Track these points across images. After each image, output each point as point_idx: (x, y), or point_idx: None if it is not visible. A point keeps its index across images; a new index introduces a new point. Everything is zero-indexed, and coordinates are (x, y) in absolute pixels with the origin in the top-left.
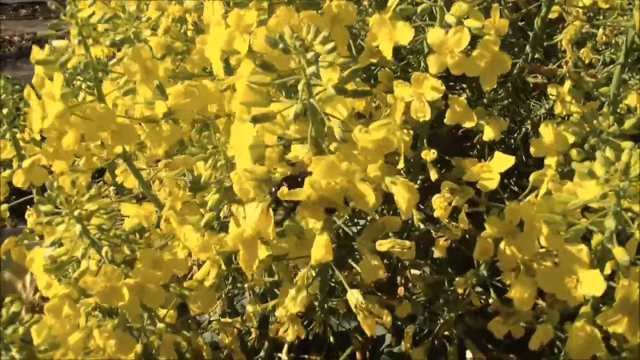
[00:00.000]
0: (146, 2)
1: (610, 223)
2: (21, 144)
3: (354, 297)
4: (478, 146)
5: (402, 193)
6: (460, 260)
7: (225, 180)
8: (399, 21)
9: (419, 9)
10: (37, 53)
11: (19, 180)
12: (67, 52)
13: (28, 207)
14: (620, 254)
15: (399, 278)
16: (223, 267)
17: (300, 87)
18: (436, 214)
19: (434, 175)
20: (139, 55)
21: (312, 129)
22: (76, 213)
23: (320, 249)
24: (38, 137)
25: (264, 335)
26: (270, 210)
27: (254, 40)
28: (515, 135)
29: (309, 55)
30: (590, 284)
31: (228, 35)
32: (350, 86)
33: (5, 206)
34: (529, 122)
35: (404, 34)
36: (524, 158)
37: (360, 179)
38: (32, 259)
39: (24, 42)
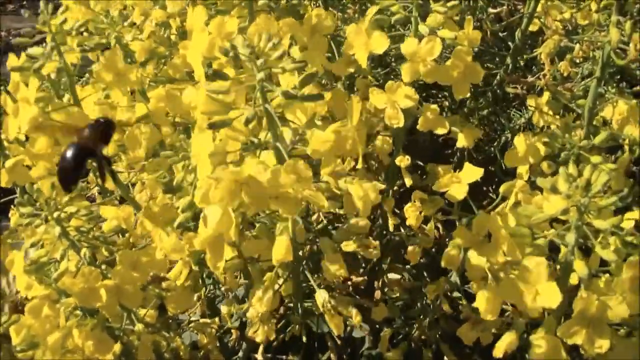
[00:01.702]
0: (131, 6)
1: (571, 237)
2: (5, 144)
3: (321, 296)
4: (458, 154)
5: (358, 192)
6: (438, 265)
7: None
8: (375, 31)
9: (394, 19)
10: (13, 60)
11: (2, 180)
12: (42, 59)
13: (12, 206)
14: (580, 267)
15: (376, 282)
16: (194, 267)
17: (255, 93)
18: (408, 222)
19: (408, 182)
20: (112, 61)
21: (269, 134)
22: (55, 215)
23: (281, 249)
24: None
25: (243, 336)
26: (231, 212)
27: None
28: (495, 144)
29: (259, 61)
30: (547, 296)
31: (210, 42)
32: (307, 90)
33: None
34: (508, 131)
35: (379, 43)
36: (503, 166)
37: (310, 187)
38: (12, 260)
39: (10, 38)
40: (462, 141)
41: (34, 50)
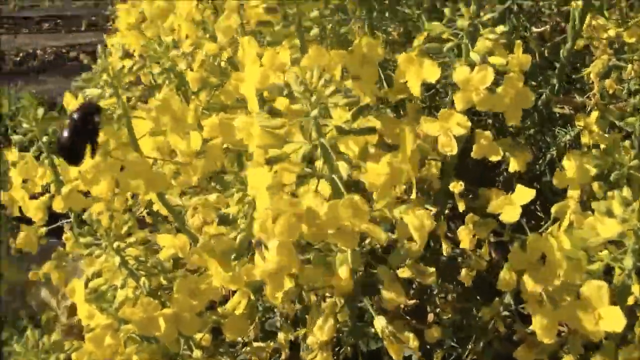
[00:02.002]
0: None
1: (628, 262)
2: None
3: (380, 323)
4: (505, 173)
5: (413, 222)
6: (489, 286)
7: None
8: (426, 59)
9: (445, 47)
10: (71, 102)
11: (58, 206)
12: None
13: (65, 227)
14: None
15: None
16: (252, 297)
17: (309, 128)
18: (462, 245)
19: (461, 207)
20: (168, 106)
21: (325, 168)
22: (115, 245)
23: (342, 280)
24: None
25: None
26: (291, 245)
27: (287, 79)
28: (541, 161)
29: (313, 98)
30: (610, 320)
31: (262, 74)
32: (360, 122)
33: (42, 230)
34: (554, 149)
35: (431, 72)
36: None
37: (367, 220)
38: (73, 289)
39: (46, 56)
40: (514, 165)
41: (92, 91)
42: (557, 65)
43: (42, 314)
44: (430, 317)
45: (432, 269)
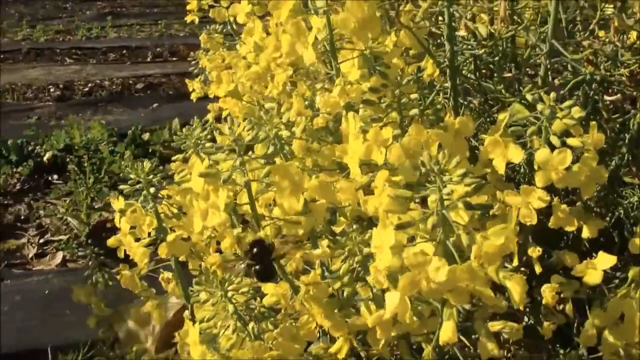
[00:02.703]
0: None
1: None
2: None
3: None
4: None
5: (515, 287)
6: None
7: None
8: (511, 144)
9: (528, 132)
10: (198, 166)
11: (162, 252)
12: (228, 171)
13: (161, 270)
14: None
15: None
16: (355, 343)
17: (433, 200)
18: (545, 301)
19: (538, 269)
20: (287, 171)
21: (442, 235)
22: (230, 295)
23: (448, 332)
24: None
25: None
26: (407, 299)
27: (389, 154)
28: (609, 219)
29: (445, 178)
30: None
31: (366, 148)
32: (474, 199)
33: (144, 271)
34: (621, 209)
35: (515, 154)
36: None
37: (481, 283)
38: (187, 332)
39: (113, 87)
40: (586, 233)
41: (218, 156)
42: (627, 135)
43: (129, 344)
44: None
45: (520, 325)
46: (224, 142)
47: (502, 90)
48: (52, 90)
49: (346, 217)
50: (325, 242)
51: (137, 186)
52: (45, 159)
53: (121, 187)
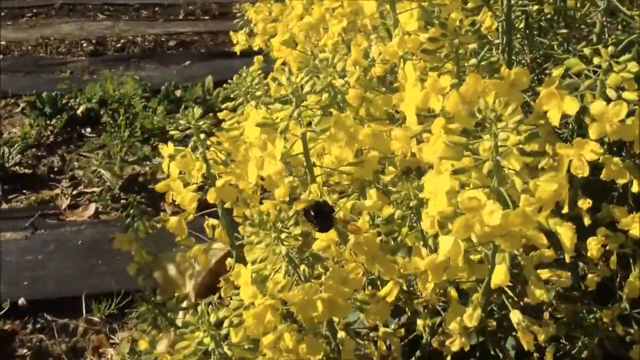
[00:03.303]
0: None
1: None
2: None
3: (515, 316)
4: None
5: (567, 234)
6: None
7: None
8: (567, 96)
9: (584, 85)
10: (254, 116)
11: (211, 197)
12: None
13: (206, 217)
14: None
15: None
16: (404, 286)
17: (487, 146)
18: (590, 254)
19: (587, 221)
20: (343, 123)
21: (496, 181)
22: (283, 236)
23: (500, 275)
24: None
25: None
26: (461, 242)
27: (447, 101)
28: None
29: (501, 124)
30: None
31: (424, 96)
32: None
33: (192, 216)
34: None
35: (571, 106)
36: None
37: (534, 227)
38: (239, 273)
39: (146, 44)
40: (636, 187)
41: (275, 106)
42: None
43: (168, 290)
44: (546, 315)
45: (568, 273)
46: (276, 93)
47: (555, 47)
48: (84, 45)
49: (395, 167)
50: (373, 192)
51: (188, 132)
52: (79, 112)
53: (171, 132)
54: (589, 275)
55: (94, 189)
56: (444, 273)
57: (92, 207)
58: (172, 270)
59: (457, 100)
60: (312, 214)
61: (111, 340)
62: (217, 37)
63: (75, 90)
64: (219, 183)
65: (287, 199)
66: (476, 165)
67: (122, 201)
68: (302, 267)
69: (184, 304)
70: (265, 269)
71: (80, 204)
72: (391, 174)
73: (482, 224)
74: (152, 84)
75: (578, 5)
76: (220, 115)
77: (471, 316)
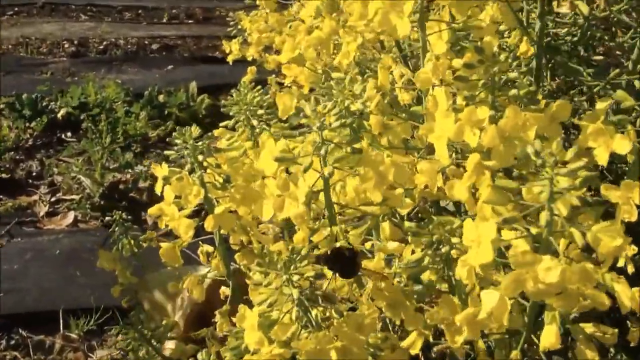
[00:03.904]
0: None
1: None
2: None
3: None
4: None
5: (626, 292)
6: None
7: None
8: (618, 134)
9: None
10: (271, 147)
11: (209, 225)
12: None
13: (200, 243)
14: None
15: None
16: (430, 338)
17: (543, 195)
18: (634, 306)
19: (630, 269)
20: (374, 161)
21: (547, 231)
22: (295, 279)
23: (551, 337)
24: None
25: None
26: (507, 299)
27: (484, 135)
28: None
29: (562, 171)
30: None
31: (458, 128)
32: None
33: (185, 244)
34: None
35: (622, 145)
36: None
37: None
38: (243, 315)
39: (128, 47)
40: None
41: (297, 139)
42: None
43: (155, 316)
44: None
45: (615, 330)
46: (283, 114)
47: (588, 74)
48: (66, 46)
49: (413, 199)
50: (387, 225)
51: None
52: (59, 115)
53: (167, 152)
54: (632, 329)
55: (73, 196)
56: (481, 329)
57: (70, 215)
58: (158, 294)
59: (495, 135)
60: (333, 260)
61: (89, 359)
62: (200, 41)
63: (56, 93)
64: (218, 210)
65: (307, 244)
66: (527, 214)
67: (103, 210)
68: (315, 311)
69: (172, 333)
70: (273, 312)
71: (58, 212)
72: (409, 206)
73: (537, 281)
74: (134, 87)
75: (615, 30)
76: (216, 132)
77: None
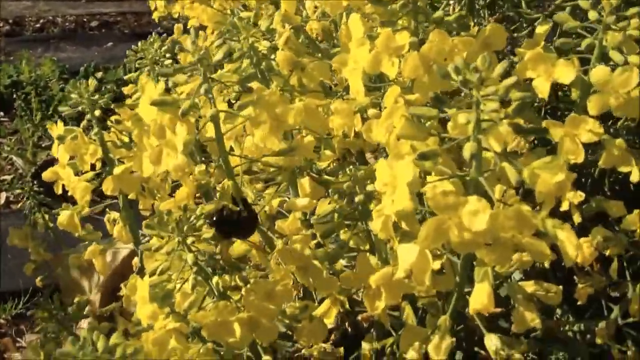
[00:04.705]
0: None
1: None
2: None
3: (493, 343)
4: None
5: (570, 239)
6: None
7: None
8: (561, 59)
9: (584, 43)
10: (150, 91)
11: (108, 187)
12: (188, 98)
13: (107, 210)
14: None
15: None
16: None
17: (462, 121)
18: (582, 259)
19: (577, 219)
20: (267, 102)
21: (474, 169)
22: (189, 241)
23: (483, 298)
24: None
25: None
26: (429, 253)
27: (404, 64)
28: None
29: (489, 89)
30: None
31: (374, 57)
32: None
33: (86, 211)
34: None
35: (566, 73)
36: None
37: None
38: (134, 286)
39: (67, 24)
40: (636, 176)
41: (178, 78)
42: None
43: (69, 293)
44: None
45: (559, 287)
46: (185, 61)
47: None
48: (1, 25)
49: (333, 151)
50: (306, 181)
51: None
52: None
53: (60, 108)
54: (580, 286)
55: (5, 177)
56: (402, 291)
57: (2, 196)
58: (75, 271)
59: (417, 63)
60: (221, 221)
61: (18, 344)
62: (141, 18)
63: None
64: (116, 170)
65: (192, 201)
66: (449, 147)
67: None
68: (215, 279)
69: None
70: (169, 282)
71: None
72: (328, 159)
73: (462, 229)
74: (71, 65)
75: None
76: (125, 89)
77: (438, 347)
